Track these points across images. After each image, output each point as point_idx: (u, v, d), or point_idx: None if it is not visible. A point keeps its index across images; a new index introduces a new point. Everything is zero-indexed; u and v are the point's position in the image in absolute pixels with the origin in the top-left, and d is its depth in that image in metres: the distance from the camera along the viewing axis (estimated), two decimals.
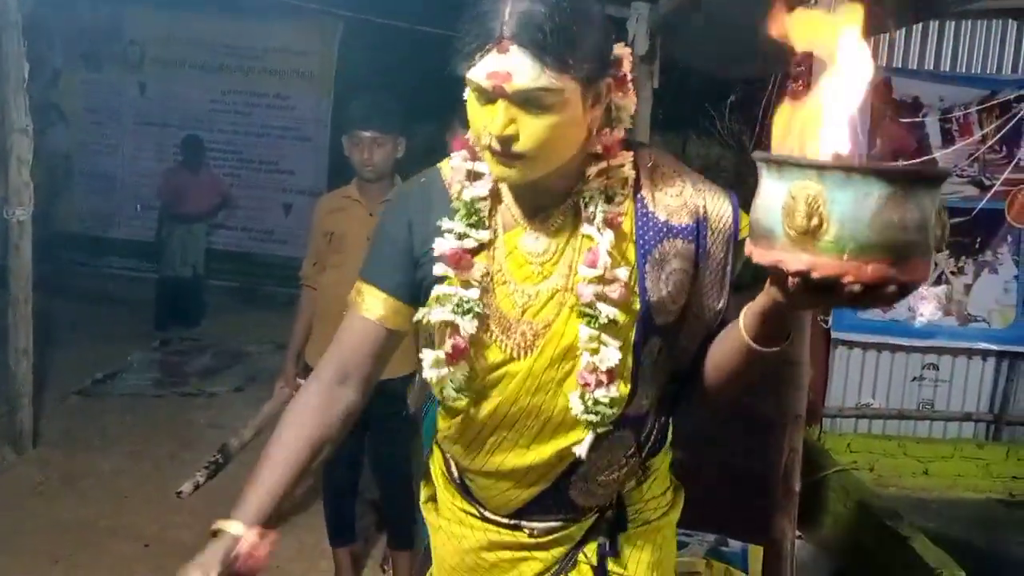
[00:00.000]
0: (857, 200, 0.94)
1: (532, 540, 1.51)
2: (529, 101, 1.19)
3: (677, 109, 6.46)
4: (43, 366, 4.93)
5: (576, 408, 1.36)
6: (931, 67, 5.00)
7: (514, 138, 1.21)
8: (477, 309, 1.36)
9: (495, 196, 1.40)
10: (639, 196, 1.37)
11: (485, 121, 1.23)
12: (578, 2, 1.20)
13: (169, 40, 8.78)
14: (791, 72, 2.52)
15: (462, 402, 1.43)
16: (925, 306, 5.13)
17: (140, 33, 8.81)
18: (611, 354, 1.33)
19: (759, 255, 1.03)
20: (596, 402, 1.34)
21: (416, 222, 1.43)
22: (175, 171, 7.70)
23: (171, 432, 5.00)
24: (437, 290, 1.37)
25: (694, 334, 1.42)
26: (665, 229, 1.36)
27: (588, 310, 1.33)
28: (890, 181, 0.94)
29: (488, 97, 1.22)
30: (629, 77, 1.34)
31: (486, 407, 1.43)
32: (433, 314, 1.37)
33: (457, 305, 1.35)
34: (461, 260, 1.35)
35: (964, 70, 5.03)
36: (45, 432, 4.73)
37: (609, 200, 1.34)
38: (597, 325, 1.32)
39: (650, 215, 1.36)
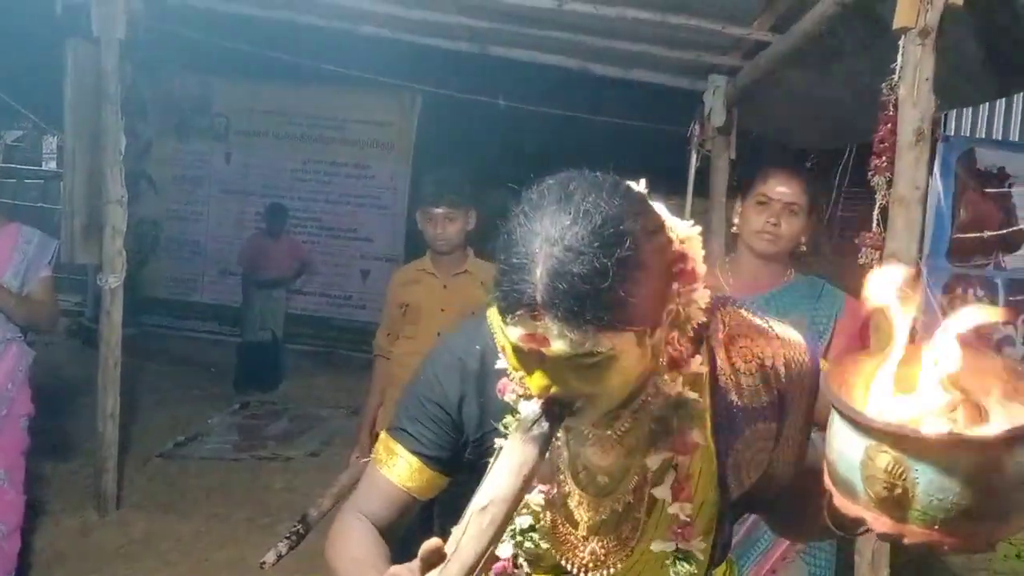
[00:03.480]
0: (943, 472, 0.82)
1: None
2: (572, 365, 1.04)
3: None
4: (127, 428, 5.05)
5: None
6: (1016, 137, 4.91)
7: (561, 396, 1.08)
8: (532, 545, 1.26)
9: None
10: (719, 387, 1.24)
11: (525, 377, 1.10)
12: (627, 244, 1.01)
13: (253, 112, 9.09)
14: (875, 148, 2.50)
15: None
16: None
17: (226, 105, 9.14)
18: None
19: (841, 505, 0.94)
20: None
21: (469, 397, 1.30)
22: (256, 237, 7.93)
23: (249, 496, 5.06)
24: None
25: (766, 487, 1.32)
26: (746, 416, 1.24)
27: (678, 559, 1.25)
28: (980, 450, 0.82)
29: (526, 356, 1.08)
30: (698, 267, 1.16)
31: None
32: (501, 550, 1.27)
33: (530, 534, 1.26)
34: (533, 491, 1.24)
35: None
36: (128, 494, 4.81)
37: (680, 410, 1.20)
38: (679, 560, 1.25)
39: (731, 406, 1.24)
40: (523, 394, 1.21)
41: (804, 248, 2.47)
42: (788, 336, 1.30)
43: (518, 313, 1.02)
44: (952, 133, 4.97)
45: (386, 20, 4.66)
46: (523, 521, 1.26)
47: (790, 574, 2.37)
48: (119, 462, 4.70)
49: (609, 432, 1.22)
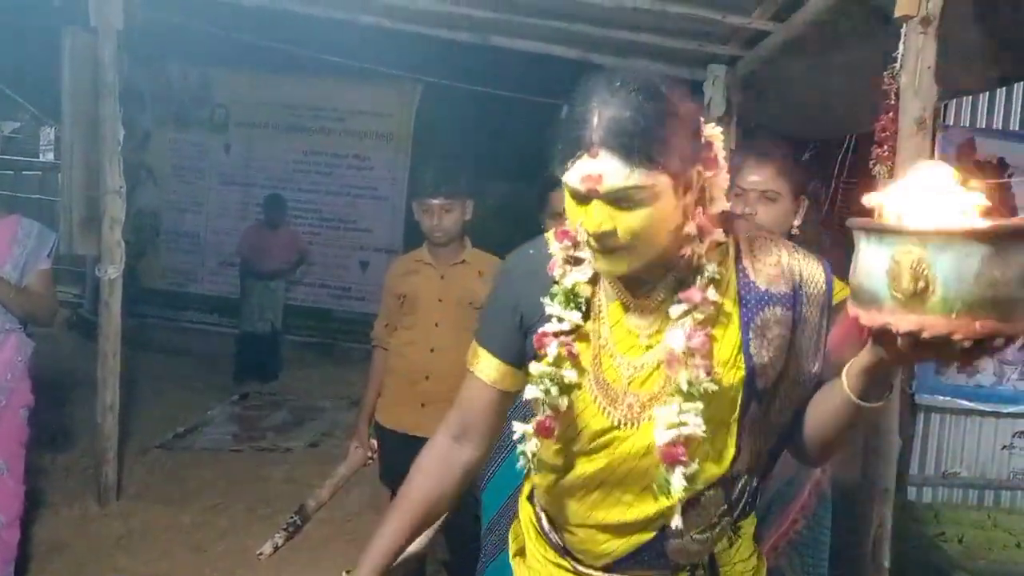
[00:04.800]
0: (959, 261, 0.97)
1: None
2: (621, 199, 1.28)
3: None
4: (127, 419, 5.04)
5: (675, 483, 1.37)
6: (1016, 127, 4.90)
7: (611, 233, 1.30)
8: (566, 389, 1.42)
9: (597, 277, 1.47)
10: (740, 266, 1.44)
11: (582, 219, 1.33)
12: (664, 102, 1.28)
13: (253, 102, 9.03)
14: (876, 136, 2.50)
15: (556, 465, 1.51)
16: (1011, 371, 4.96)
17: (226, 96, 9.08)
18: (694, 421, 1.35)
19: (866, 318, 1.07)
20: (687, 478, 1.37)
21: (523, 295, 1.52)
22: (254, 228, 7.91)
23: (248, 487, 5.05)
24: (534, 368, 1.44)
25: (790, 399, 1.46)
26: (766, 297, 1.43)
27: (676, 386, 1.37)
28: (988, 239, 0.97)
29: (583, 198, 1.31)
30: (720, 157, 1.39)
31: (592, 466, 1.48)
32: (527, 391, 1.44)
33: (549, 380, 1.42)
34: (552, 343, 1.43)
35: None
36: (128, 485, 4.81)
37: (706, 275, 1.39)
38: (687, 397, 1.35)
39: (752, 284, 1.44)
40: (568, 259, 1.45)
41: (797, 232, 2.40)
42: (808, 255, 1.49)
43: (578, 154, 1.28)
44: (951, 123, 4.96)
45: (386, 10, 4.65)
46: (569, 373, 1.43)
47: (780, 561, 2.36)
48: (119, 453, 4.69)
49: (648, 300, 1.43)
